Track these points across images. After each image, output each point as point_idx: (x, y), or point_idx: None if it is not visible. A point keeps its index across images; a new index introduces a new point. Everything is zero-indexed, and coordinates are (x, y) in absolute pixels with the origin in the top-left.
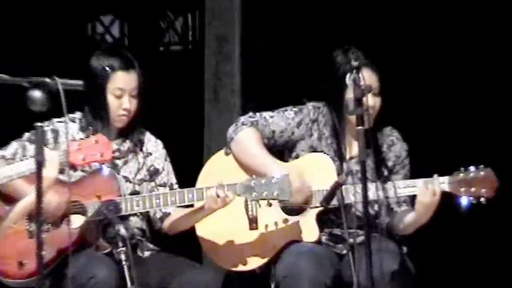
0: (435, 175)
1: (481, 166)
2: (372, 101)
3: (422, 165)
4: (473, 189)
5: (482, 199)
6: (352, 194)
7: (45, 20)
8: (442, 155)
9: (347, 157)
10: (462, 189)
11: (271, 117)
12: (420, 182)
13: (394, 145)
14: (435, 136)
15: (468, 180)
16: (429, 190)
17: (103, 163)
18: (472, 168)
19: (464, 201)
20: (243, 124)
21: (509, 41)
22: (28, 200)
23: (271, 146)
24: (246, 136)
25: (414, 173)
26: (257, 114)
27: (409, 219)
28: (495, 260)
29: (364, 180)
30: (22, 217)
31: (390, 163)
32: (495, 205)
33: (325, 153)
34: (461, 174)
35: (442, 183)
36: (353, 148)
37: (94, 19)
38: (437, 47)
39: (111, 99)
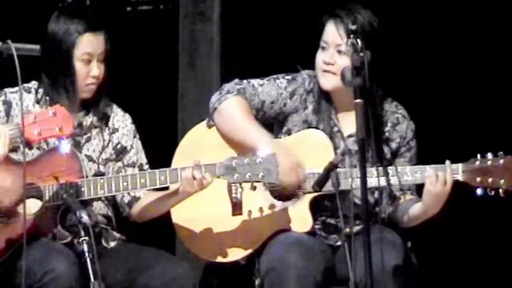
0: (447, 162)
1: (501, 153)
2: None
3: (432, 150)
4: (490, 180)
5: (500, 191)
6: (349, 178)
7: None
8: (456, 140)
9: (346, 134)
10: (478, 179)
11: (261, 85)
12: (429, 169)
13: (400, 124)
14: (448, 119)
15: (485, 169)
16: (440, 178)
17: (62, 139)
18: (489, 155)
19: (479, 192)
20: (228, 92)
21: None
22: None
23: (259, 118)
24: (232, 106)
25: (422, 159)
26: (245, 81)
27: (415, 211)
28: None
29: (362, 160)
30: None
31: (393, 145)
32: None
33: (321, 129)
34: (477, 162)
35: (455, 171)
36: (354, 124)
37: None
38: (453, 32)
39: (78, 65)
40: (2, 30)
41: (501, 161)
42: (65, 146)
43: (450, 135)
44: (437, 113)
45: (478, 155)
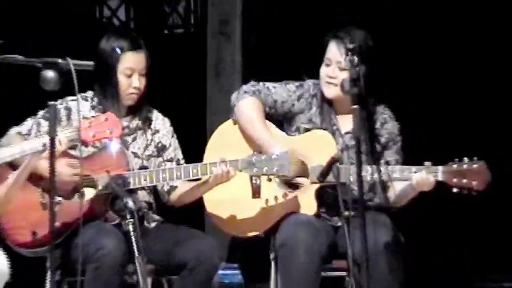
0: (429, 163)
1: (475, 158)
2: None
3: (415, 153)
4: (464, 181)
5: (472, 192)
6: (348, 174)
7: (57, 5)
8: (437, 144)
9: (343, 131)
10: (455, 180)
11: (274, 87)
12: (413, 170)
13: (387, 123)
14: (431, 126)
15: (461, 172)
16: (424, 180)
17: (112, 140)
18: (466, 159)
19: (455, 191)
20: (245, 92)
21: (500, 33)
22: (29, 160)
23: (271, 114)
24: (248, 105)
25: (408, 161)
26: (260, 83)
27: (404, 191)
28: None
29: (358, 154)
30: (24, 177)
31: (383, 140)
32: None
33: (324, 128)
34: (455, 165)
35: (435, 172)
36: (351, 124)
37: (102, 3)
38: (434, 37)
39: (121, 78)
40: (60, 49)
41: (475, 165)
42: (115, 146)
43: (432, 140)
44: (422, 121)
45: (456, 159)
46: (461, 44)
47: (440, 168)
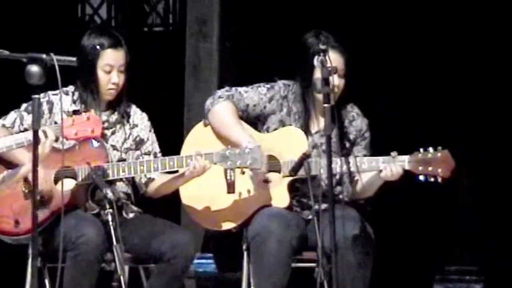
0: (395, 153)
1: (439, 147)
2: (337, 81)
3: (383, 145)
4: (430, 168)
5: (438, 178)
6: (318, 167)
7: (41, 3)
8: (403, 136)
9: (313, 131)
10: (421, 168)
11: (246, 92)
12: (381, 161)
13: (355, 120)
14: (398, 119)
15: (426, 160)
16: (391, 170)
17: (94, 138)
18: (431, 149)
19: (421, 178)
20: (219, 97)
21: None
22: (25, 169)
23: (244, 118)
24: (222, 108)
25: (375, 152)
26: (233, 88)
27: (370, 181)
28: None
29: (329, 153)
30: (18, 182)
31: (351, 136)
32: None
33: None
34: (420, 154)
35: (402, 161)
36: (319, 123)
37: (84, 1)
38: (399, 28)
39: (100, 74)
40: (44, 44)
41: (439, 154)
42: (95, 143)
43: (398, 132)
44: (388, 114)
45: (421, 149)
46: (423, 34)
47: (406, 157)
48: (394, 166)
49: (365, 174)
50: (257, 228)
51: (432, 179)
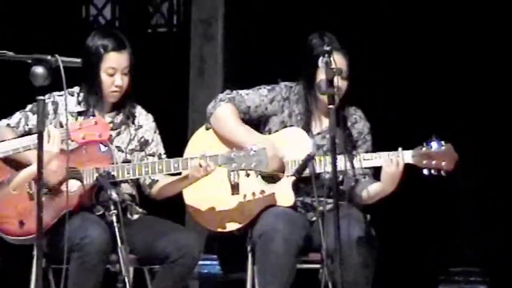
0: (400, 148)
1: (442, 141)
2: (340, 83)
3: (387, 141)
4: (434, 162)
5: (442, 172)
6: (323, 165)
7: (45, 4)
8: (407, 131)
9: (315, 132)
10: (424, 162)
11: (247, 94)
12: (385, 154)
13: (357, 123)
14: (399, 116)
15: (430, 154)
16: (393, 161)
17: (101, 143)
18: (433, 143)
19: (425, 172)
20: (221, 100)
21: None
22: (31, 169)
23: (246, 120)
24: (224, 111)
25: (380, 148)
26: (234, 91)
27: (375, 188)
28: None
29: (333, 153)
30: (23, 184)
31: (353, 138)
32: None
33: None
34: (424, 148)
35: (406, 155)
36: (321, 124)
37: (88, 2)
38: (398, 30)
39: (104, 76)
40: (48, 45)
41: (443, 147)
42: (102, 147)
43: (397, 133)
44: (387, 115)
45: (424, 143)
46: (420, 33)
47: (410, 152)
48: (396, 159)
49: (372, 186)
50: (263, 227)
51: (436, 173)
